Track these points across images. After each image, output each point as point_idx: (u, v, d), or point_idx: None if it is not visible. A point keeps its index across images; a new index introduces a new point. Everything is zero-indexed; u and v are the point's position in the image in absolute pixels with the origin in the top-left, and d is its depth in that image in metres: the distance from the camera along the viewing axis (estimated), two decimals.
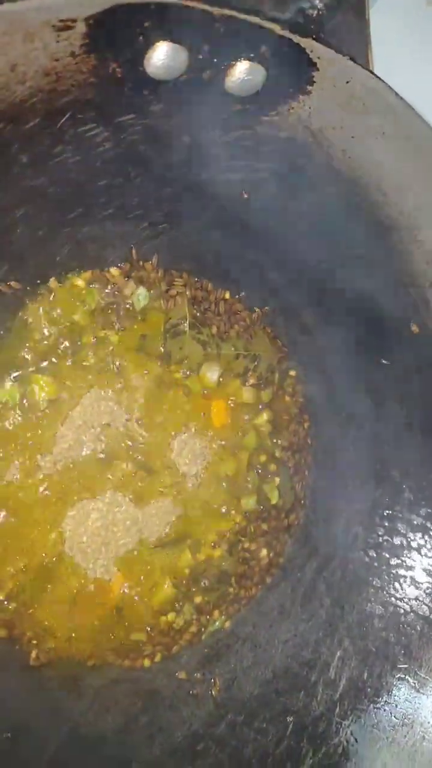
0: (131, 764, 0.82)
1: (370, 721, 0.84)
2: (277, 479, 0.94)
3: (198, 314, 0.89)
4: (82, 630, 0.84)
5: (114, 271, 0.86)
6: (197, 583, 0.89)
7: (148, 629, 0.87)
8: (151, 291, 0.87)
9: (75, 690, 0.83)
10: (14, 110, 0.62)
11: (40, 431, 0.84)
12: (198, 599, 0.89)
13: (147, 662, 0.87)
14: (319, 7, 0.68)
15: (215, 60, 0.66)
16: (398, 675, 0.85)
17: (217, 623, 0.90)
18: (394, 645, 0.87)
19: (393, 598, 0.88)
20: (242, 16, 0.61)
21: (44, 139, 0.67)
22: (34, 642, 0.83)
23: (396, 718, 0.83)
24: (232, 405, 0.91)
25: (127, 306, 0.86)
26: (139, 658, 0.87)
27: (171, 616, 0.88)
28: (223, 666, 0.89)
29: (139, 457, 0.87)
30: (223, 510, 0.91)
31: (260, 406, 0.93)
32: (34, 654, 0.83)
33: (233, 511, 0.92)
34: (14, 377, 0.83)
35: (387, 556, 0.90)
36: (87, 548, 0.85)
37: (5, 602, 0.82)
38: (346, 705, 0.85)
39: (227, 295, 0.91)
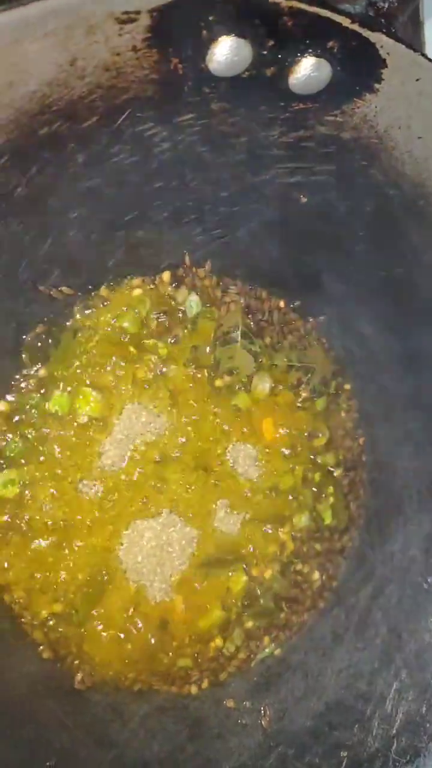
0: None
1: (431, 760, 0.79)
2: (332, 498, 0.89)
3: (252, 324, 0.85)
4: (129, 653, 0.81)
5: (166, 277, 0.83)
6: (248, 607, 0.85)
7: (195, 655, 0.83)
8: (204, 299, 0.84)
9: (120, 716, 0.80)
10: (72, 107, 0.60)
11: (88, 443, 0.82)
12: (249, 624, 0.85)
13: (194, 689, 0.83)
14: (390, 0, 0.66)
15: (280, 55, 0.63)
16: None
17: (267, 650, 0.86)
18: None
19: None
20: (311, 9, 0.58)
21: (102, 138, 0.65)
22: (79, 664, 0.80)
23: None
24: (284, 419, 0.87)
25: (179, 314, 0.83)
26: (186, 685, 0.83)
27: (219, 641, 0.84)
28: (273, 695, 0.85)
29: (190, 473, 0.84)
30: (276, 528, 0.87)
31: (314, 421, 0.89)
32: (79, 677, 0.79)
33: (286, 530, 0.88)
34: (63, 387, 0.80)
35: None
36: (142, 569, 0.82)
37: (53, 622, 0.79)
38: (403, 742, 0.80)
39: (282, 304, 0.87)
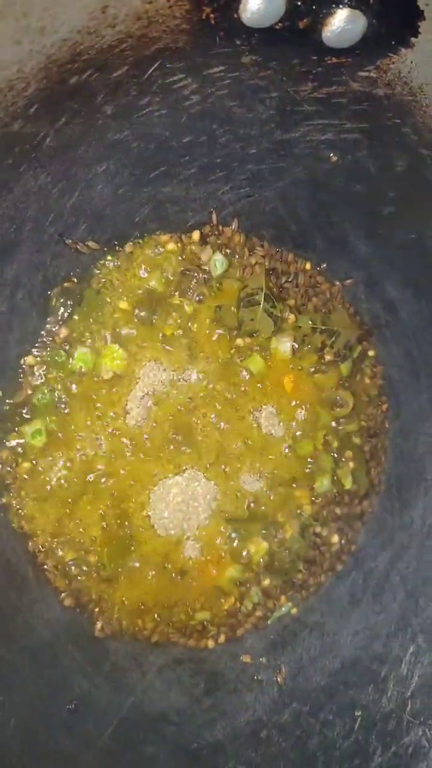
0: (192, 745, 0.80)
1: None
2: (352, 464, 0.89)
3: (274, 287, 0.85)
4: (149, 604, 0.82)
5: (193, 235, 0.82)
6: (267, 566, 0.86)
7: (213, 609, 0.84)
8: (229, 258, 0.83)
9: (138, 665, 0.81)
10: (102, 57, 0.60)
11: (112, 400, 0.82)
12: (266, 582, 0.86)
13: (211, 643, 0.84)
14: None
15: (314, 6, 0.62)
16: None
17: (284, 609, 0.87)
18: None
19: None
20: None
21: (131, 89, 0.65)
22: (99, 612, 0.81)
23: None
24: (307, 382, 0.87)
25: (204, 273, 0.83)
26: (203, 639, 0.84)
27: (237, 597, 0.85)
28: (289, 653, 0.86)
29: (211, 431, 0.84)
30: (296, 490, 0.87)
31: (337, 387, 0.88)
32: (99, 625, 0.81)
33: (306, 492, 0.88)
34: (89, 344, 0.81)
35: None
36: (169, 523, 0.83)
37: (75, 571, 0.81)
38: (418, 704, 0.81)
39: (308, 266, 0.86)
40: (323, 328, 0.85)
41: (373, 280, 0.86)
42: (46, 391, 0.81)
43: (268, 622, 0.86)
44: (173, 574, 0.83)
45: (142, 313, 0.81)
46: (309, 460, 0.88)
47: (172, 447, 0.84)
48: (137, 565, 0.82)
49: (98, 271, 0.80)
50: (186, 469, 0.84)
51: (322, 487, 0.88)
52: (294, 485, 0.87)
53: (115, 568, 0.81)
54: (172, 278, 0.82)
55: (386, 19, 0.63)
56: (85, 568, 0.81)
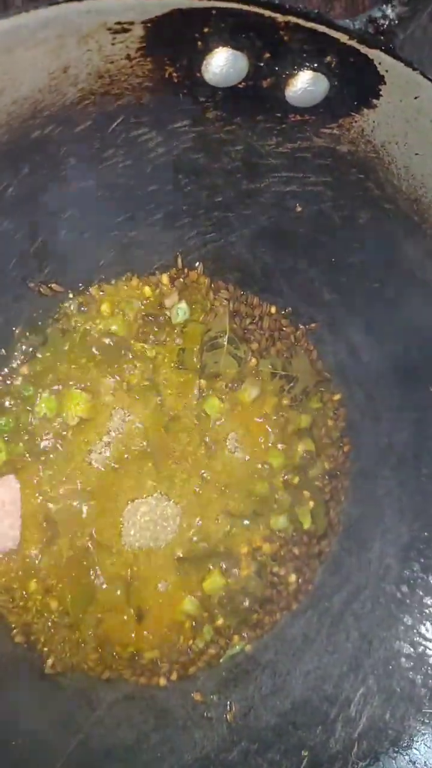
0: None
1: (389, 766, 0.80)
2: (311, 503, 0.90)
3: (239, 329, 0.86)
4: (101, 640, 0.83)
5: (157, 278, 0.84)
6: (221, 604, 0.87)
7: (165, 648, 0.85)
8: (193, 304, 0.84)
9: (88, 702, 0.82)
10: (65, 113, 0.61)
11: (77, 445, 0.83)
12: (219, 621, 0.87)
13: (163, 681, 0.85)
14: (391, 17, 0.64)
15: (276, 68, 0.63)
16: (422, 719, 0.81)
17: (237, 647, 0.87)
18: (421, 687, 0.83)
19: (423, 639, 0.84)
20: (308, 24, 0.58)
21: (95, 142, 0.66)
22: (50, 650, 0.82)
23: (416, 767, 0.79)
24: (267, 423, 0.88)
25: (168, 317, 0.84)
26: (155, 676, 0.85)
27: (189, 634, 0.86)
28: (240, 691, 0.86)
29: (171, 472, 0.85)
30: (254, 529, 0.88)
31: (298, 428, 0.89)
32: (50, 662, 0.82)
33: (263, 531, 0.89)
34: (52, 389, 0.82)
35: (421, 593, 0.86)
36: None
37: (29, 607, 0.82)
38: (364, 745, 0.82)
39: (273, 310, 0.88)
40: (283, 373, 0.86)
41: (338, 325, 0.88)
42: (11, 419, 0.82)
43: (221, 660, 0.87)
44: (128, 616, 0.84)
45: (104, 357, 0.82)
46: (267, 499, 0.89)
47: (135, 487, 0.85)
48: (99, 616, 0.83)
49: (62, 314, 0.81)
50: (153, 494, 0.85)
51: (278, 525, 0.89)
52: (250, 523, 0.88)
53: (77, 616, 0.82)
54: (134, 322, 0.83)
55: (348, 82, 0.65)
56: (45, 613, 0.82)
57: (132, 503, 0.85)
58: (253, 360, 0.86)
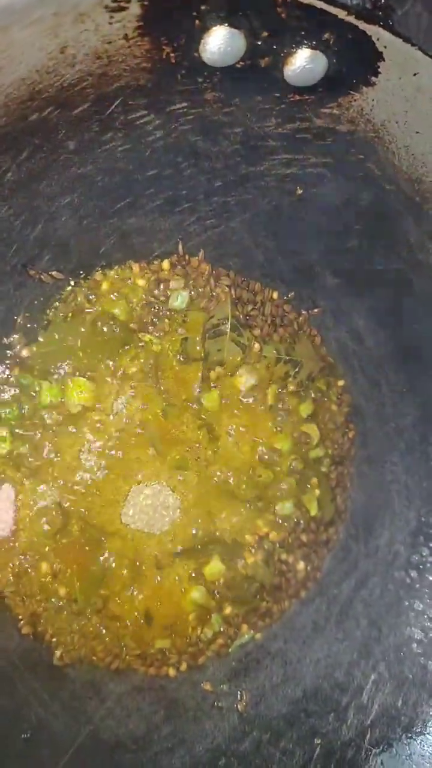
0: None
1: (403, 752, 0.80)
2: (317, 490, 0.89)
3: (241, 315, 0.85)
4: (109, 631, 0.82)
5: (158, 265, 0.83)
6: (228, 594, 0.86)
7: (173, 636, 0.84)
8: (194, 291, 0.84)
9: (97, 693, 0.81)
10: (63, 95, 0.60)
11: (78, 434, 0.83)
12: (227, 610, 0.86)
13: (172, 671, 0.84)
14: None
15: (274, 47, 0.63)
16: None
17: (246, 636, 0.87)
18: None
19: None
20: (306, 0, 0.57)
21: (93, 125, 0.65)
22: (58, 641, 0.81)
23: (430, 752, 0.79)
24: (271, 410, 0.88)
25: (170, 305, 0.83)
26: (164, 666, 0.84)
27: (197, 624, 0.85)
28: (251, 681, 0.86)
29: (173, 460, 0.85)
30: (259, 515, 0.88)
31: (302, 416, 0.89)
32: (58, 653, 0.81)
33: (269, 517, 0.88)
34: (54, 378, 0.81)
35: (430, 578, 0.85)
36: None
37: (36, 599, 0.81)
38: (377, 732, 0.81)
39: (275, 295, 0.87)
40: (287, 358, 0.86)
41: (340, 309, 0.87)
42: (15, 406, 0.81)
43: (230, 650, 0.86)
44: (136, 606, 0.84)
45: (108, 346, 0.81)
46: (273, 485, 0.88)
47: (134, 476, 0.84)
48: (107, 605, 0.83)
49: (63, 300, 0.81)
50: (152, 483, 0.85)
51: (284, 510, 0.88)
52: (256, 508, 0.87)
53: (85, 602, 0.81)
54: (136, 309, 0.82)
55: (347, 60, 0.64)
56: (52, 601, 0.81)
57: (134, 489, 0.85)
58: (257, 345, 0.86)
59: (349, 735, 0.82)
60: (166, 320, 0.83)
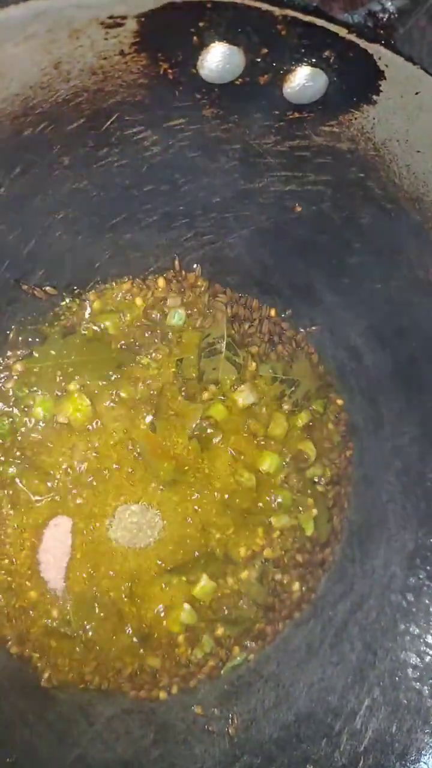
0: None
1: None
2: (314, 510, 0.88)
3: (237, 334, 0.84)
4: (98, 653, 0.81)
5: (159, 281, 0.82)
6: (220, 612, 0.85)
7: (165, 656, 0.83)
8: (190, 308, 0.83)
9: (85, 716, 0.80)
10: (57, 110, 0.59)
11: (68, 449, 0.82)
12: (219, 631, 0.85)
13: (163, 694, 0.83)
14: (390, 10, 0.63)
15: (274, 64, 0.62)
16: (430, 732, 0.79)
17: (238, 658, 0.85)
18: (428, 699, 0.81)
19: (430, 648, 0.82)
20: (306, 17, 0.56)
21: (88, 141, 0.64)
22: (46, 662, 0.80)
23: None
24: (264, 427, 0.86)
25: (165, 324, 0.82)
26: (154, 689, 0.83)
27: (187, 645, 0.84)
28: (242, 704, 0.84)
29: (163, 477, 0.84)
30: (253, 532, 0.87)
31: (297, 436, 0.88)
32: (46, 675, 0.80)
33: (264, 534, 0.87)
34: (47, 393, 0.80)
35: (427, 602, 0.84)
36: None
37: (22, 619, 0.80)
38: (371, 759, 0.80)
39: (273, 313, 0.86)
40: (284, 377, 0.85)
41: (339, 327, 0.86)
42: (6, 420, 0.80)
43: (222, 672, 0.85)
44: (127, 627, 0.82)
45: (102, 363, 0.81)
46: (268, 501, 0.87)
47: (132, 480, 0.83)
48: (97, 626, 0.82)
49: (57, 317, 0.80)
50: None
51: (280, 522, 0.87)
52: (251, 521, 0.86)
53: (79, 625, 0.80)
54: (131, 327, 0.81)
55: (347, 78, 0.63)
56: (43, 621, 0.80)
57: (120, 507, 0.84)
58: (253, 364, 0.85)
59: (341, 761, 0.80)
60: (162, 342, 0.82)
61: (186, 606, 0.83)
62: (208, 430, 0.84)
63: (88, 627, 0.81)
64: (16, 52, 0.52)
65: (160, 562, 0.84)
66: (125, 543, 0.83)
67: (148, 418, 0.83)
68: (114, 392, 0.82)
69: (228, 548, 0.86)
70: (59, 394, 0.81)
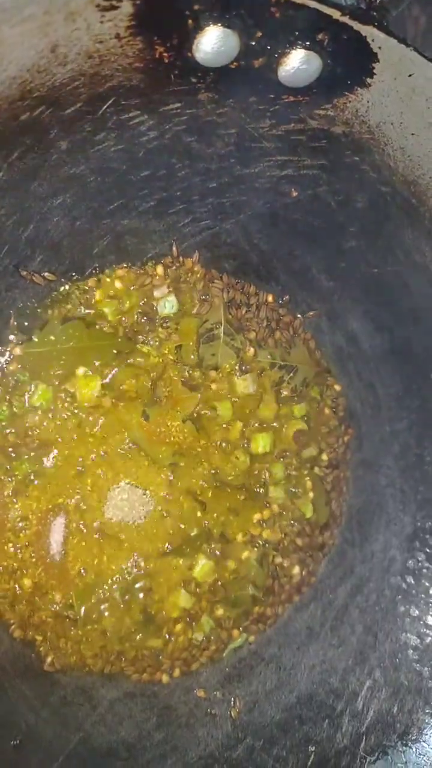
0: None
1: (398, 760, 0.79)
2: (312, 493, 0.89)
3: (235, 319, 0.85)
4: (101, 636, 0.82)
5: (157, 269, 0.82)
6: (219, 593, 0.85)
7: (166, 638, 0.83)
8: (186, 295, 0.83)
9: (89, 699, 0.80)
10: (54, 94, 0.60)
11: (70, 433, 0.83)
12: (219, 612, 0.85)
13: (165, 677, 0.83)
14: None
15: (269, 47, 0.62)
16: (431, 712, 0.80)
17: (239, 640, 0.86)
18: (428, 679, 0.81)
19: (430, 630, 0.83)
20: (300, 0, 0.57)
21: (85, 125, 0.65)
22: (50, 646, 0.80)
23: (425, 760, 0.78)
24: (261, 411, 0.87)
25: (159, 312, 0.83)
26: (157, 672, 0.83)
27: (187, 626, 0.84)
28: (244, 687, 0.85)
29: (172, 461, 0.84)
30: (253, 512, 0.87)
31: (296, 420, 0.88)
32: (49, 659, 0.80)
33: (262, 515, 0.88)
34: (46, 380, 0.81)
35: (427, 584, 0.85)
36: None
37: (25, 603, 0.80)
38: (372, 740, 0.80)
39: (270, 299, 0.87)
40: (282, 363, 0.85)
41: (336, 312, 0.86)
42: (4, 407, 0.81)
43: (224, 654, 0.85)
44: (129, 611, 0.83)
45: (102, 350, 0.81)
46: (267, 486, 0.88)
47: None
48: (100, 609, 0.82)
49: (55, 303, 0.80)
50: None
51: (276, 494, 0.87)
52: (247, 496, 0.86)
53: (82, 609, 0.81)
54: (130, 314, 0.82)
55: (341, 60, 0.64)
56: (46, 606, 0.80)
57: (115, 488, 0.84)
58: (251, 350, 0.85)
59: (343, 742, 0.81)
60: (160, 328, 0.82)
61: (183, 591, 0.84)
62: (203, 412, 0.84)
63: (90, 611, 0.81)
64: (13, 34, 0.53)
65: (159, 545, 0.84)
66: (120, 519, 0.84)
67: (144, 407, 0.83)
68: (112, 378, 0.82)
69: (225, 528, 0.86)
70: (61, 378, 0.81)
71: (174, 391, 0.83)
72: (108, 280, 0.81)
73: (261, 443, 0.86)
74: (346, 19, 0.58)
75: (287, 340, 0.87)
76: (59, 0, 0.52)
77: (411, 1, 0.77)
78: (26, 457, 0.80)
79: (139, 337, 0.82)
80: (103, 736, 0.79)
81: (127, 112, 0.65)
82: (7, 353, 0.80)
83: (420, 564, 0.86)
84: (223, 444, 0.86)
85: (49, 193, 0.70)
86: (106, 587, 0.82)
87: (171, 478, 0.84)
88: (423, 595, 0.84)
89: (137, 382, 0.81)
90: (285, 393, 0.87)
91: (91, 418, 0.82)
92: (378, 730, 0.80)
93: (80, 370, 0.81)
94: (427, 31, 1.05)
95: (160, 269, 0.82)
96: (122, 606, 0.82)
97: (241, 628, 0.86)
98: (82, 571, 0.82)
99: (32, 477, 0.81)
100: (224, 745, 0.82)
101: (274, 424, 0.87)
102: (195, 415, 0.83)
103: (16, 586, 0.80)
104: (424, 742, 0.79)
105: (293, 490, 0.89)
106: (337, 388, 0.90)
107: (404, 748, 0.79)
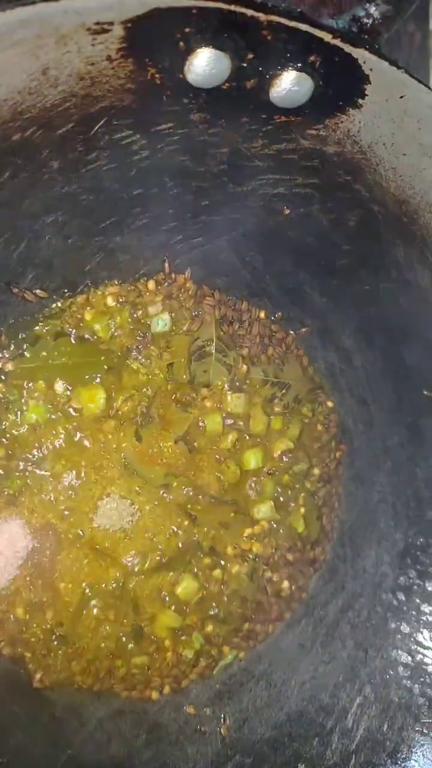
0: None
1: None
2: (303, 509, 0.89)
3: (227, 336, 0.85)
4: (91, 654, 0.81)
5: (148, 284, 0.83)
6: (209, 611, 0.85)
7: (155, 655, 0.83)
8: (178, 312, 0.83)
9: (78, 717, 0.80)
10: (46, 115, 0.60)
11: (60, 451, 0.83)
12: (209, 628, 0.85)
13: (155, 694, 0.83)
14: (375, 15, 0.64)
15: (260, 69, 0.62)
16: (421, 730, 0.80)
17: (230, 656, 0.86)
18: (419, 697, 0.81)
19: (420, 647, 0.83)
20: (291, 23, 0.57)
21: (77, 145, 0.65)
22: (39, 662, 0.80)
23: None
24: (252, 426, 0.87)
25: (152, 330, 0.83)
26: (146, 690, 0.83)
27: (175, 642, 0.84)
28: (234, 704, 0.85)
29: (165, 481, 0.84)
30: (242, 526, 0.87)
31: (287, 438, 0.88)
32: (38, 676, 0.80)
33: (252, 530, 0.88)
34: (38, 396, 0.81)
35: (418, 601, 0.85)
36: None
37: (13, 620, 0.80)
38: (362, 758, 0.80)
39: (263, 315, 0.87)
40: (275, 380, 0.85)
41: (328, 329, 0.87)
42: None
43: (214, 671, 0.85)
44: (118, 629, 0.83)
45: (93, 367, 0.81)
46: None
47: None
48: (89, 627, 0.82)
49: (46, 320, 0.80)
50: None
51: (261, 513, 0.87)
52: (234, 512, 0.86)
53: (71, 627, 0.81)
54: (121, 330, 0.82)
55: (333, 82, 0.64)
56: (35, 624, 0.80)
57: (102, 501, 0.84)
58: (244, 367, 0.85)
59: (333, 760, 0.81)
60: (152, 345, 0.82)
61: (170, 611, 0.84)
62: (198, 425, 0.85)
63: (80, 628, 0.81)
64: (4, 57, 0.53)
65: (148, 560, 0.84)
66: (110, 533, 0.84)
67: (136, 427, 0.83)
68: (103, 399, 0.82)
69: (215, 542, 0.86)
70: (49, 396, 0.81)
71: (166, 412, 0.83)
72: (100, 296, 0.82)
73: (252, 459, 0.86)
74: (337, 42, 0.58)
75: (280, 357, 0.87)
76: (51, 23, 0.52)
77: (406, 18, 0.77)
78: (17, 474, 0.80)
79: (131, 354, 0.82)
80: (92, 753, 0.79)
81: (119, 132, 0.66)
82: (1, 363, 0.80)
83: (411, 581, 0.86)
84: (216, 456, 0.85)
85: (41, 211, 0.70)
86: (96, 603, 0.82)
87: (162, 493, 0.84)
88: (414, 612, 0.85)
89: (131, 402, 0.81)
90: (277, 409, 0.87)
91: (82, 436, 0.82)
92: (368, 747, 0.80)
93: (59, 386, 0.81)
94: (422, 47, 1.06)
95: (152, 285, 0.82)
96: (112, 623, 0.82)
97: (231, 645, 0.86)
98: (71, 587, 0.82)
99: (23, 492, 0.81)
100: (214, 762, 0.81)
101: (265, 440, 0.87)
102: (187, 437, 0.83)
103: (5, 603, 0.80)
104: (413, 760, 0.79)
105: (284, 505, 0.89)
106: (330, 404, 0.90)
107: (394, 766, 0.79)
